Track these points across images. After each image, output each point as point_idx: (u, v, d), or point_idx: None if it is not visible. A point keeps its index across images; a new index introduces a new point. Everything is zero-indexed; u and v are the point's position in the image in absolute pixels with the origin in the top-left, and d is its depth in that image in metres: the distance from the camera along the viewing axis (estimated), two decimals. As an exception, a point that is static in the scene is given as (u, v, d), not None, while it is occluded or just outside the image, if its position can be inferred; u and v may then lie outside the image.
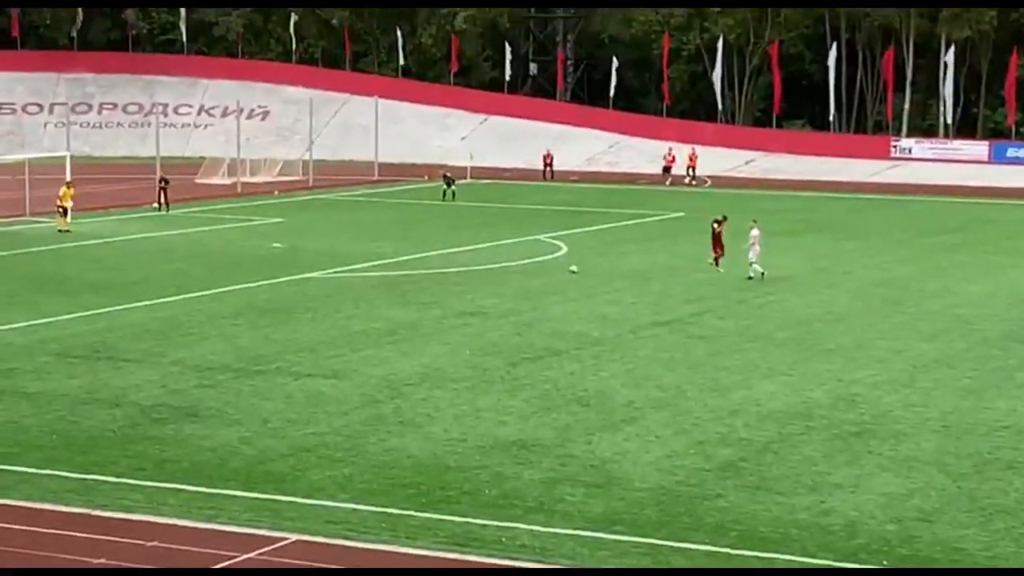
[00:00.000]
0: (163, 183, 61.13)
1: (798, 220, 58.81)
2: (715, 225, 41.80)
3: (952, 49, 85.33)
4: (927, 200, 69.35)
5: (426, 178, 74.46)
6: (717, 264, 42.08)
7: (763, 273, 40.50)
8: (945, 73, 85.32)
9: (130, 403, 25.92)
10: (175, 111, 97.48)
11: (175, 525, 19.39)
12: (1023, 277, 42.68)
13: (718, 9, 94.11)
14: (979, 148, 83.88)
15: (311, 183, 73.86)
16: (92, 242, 50.07)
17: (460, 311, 35.77)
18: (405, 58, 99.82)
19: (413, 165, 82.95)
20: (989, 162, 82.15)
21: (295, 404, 25.92)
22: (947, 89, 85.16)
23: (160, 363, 29.31)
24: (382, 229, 55.14)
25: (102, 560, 17.95)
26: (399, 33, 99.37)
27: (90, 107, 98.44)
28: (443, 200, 66.32)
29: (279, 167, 77.50)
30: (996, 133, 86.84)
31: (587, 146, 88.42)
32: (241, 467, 22.05)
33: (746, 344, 31.76)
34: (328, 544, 18.74)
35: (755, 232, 40.86)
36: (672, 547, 18.66)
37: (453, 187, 67.51)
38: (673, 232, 54.45)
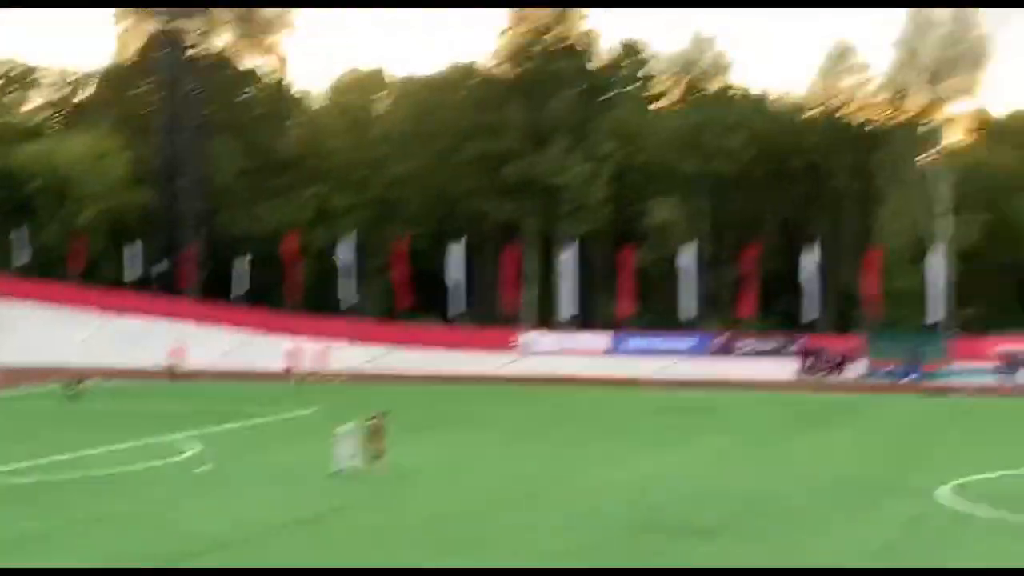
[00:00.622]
0: None
1: (428, 414, 59.52)
2: (370, 422, 41.60)
3: (574, 244, 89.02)
4: (552, 391, 71.33)
5: (49, 381, 72.29)
6: (373, 461, 41.30)
7: (355, 468, 40.34)
8: (565, 267, 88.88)
9: None
10: None
11: None
12: (647, 464, 44.21)
13: (346, 205, 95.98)
14: (600, 339, 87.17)
15: (-75, 388, 70.76)
16: None
17: (87, 517, 34.57)
18: (29, 257, 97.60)
19: (35, 368, 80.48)
20: (611, 352, 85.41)
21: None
22: (567, 283, 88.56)
23: None
24: (2, 435, 53.07)
25: None
26: (25, 230, 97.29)
27: None
28: (67, 403, 64.45)
29: None
30: (615, 324, 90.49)
31: (216, 343, 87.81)
32: None
33: (382, 541, 31.69)
34: None
35: (347, 428, 40.78)
36: None
37: (78, 389, 65.78)
38: (308, 428, 54.22)
